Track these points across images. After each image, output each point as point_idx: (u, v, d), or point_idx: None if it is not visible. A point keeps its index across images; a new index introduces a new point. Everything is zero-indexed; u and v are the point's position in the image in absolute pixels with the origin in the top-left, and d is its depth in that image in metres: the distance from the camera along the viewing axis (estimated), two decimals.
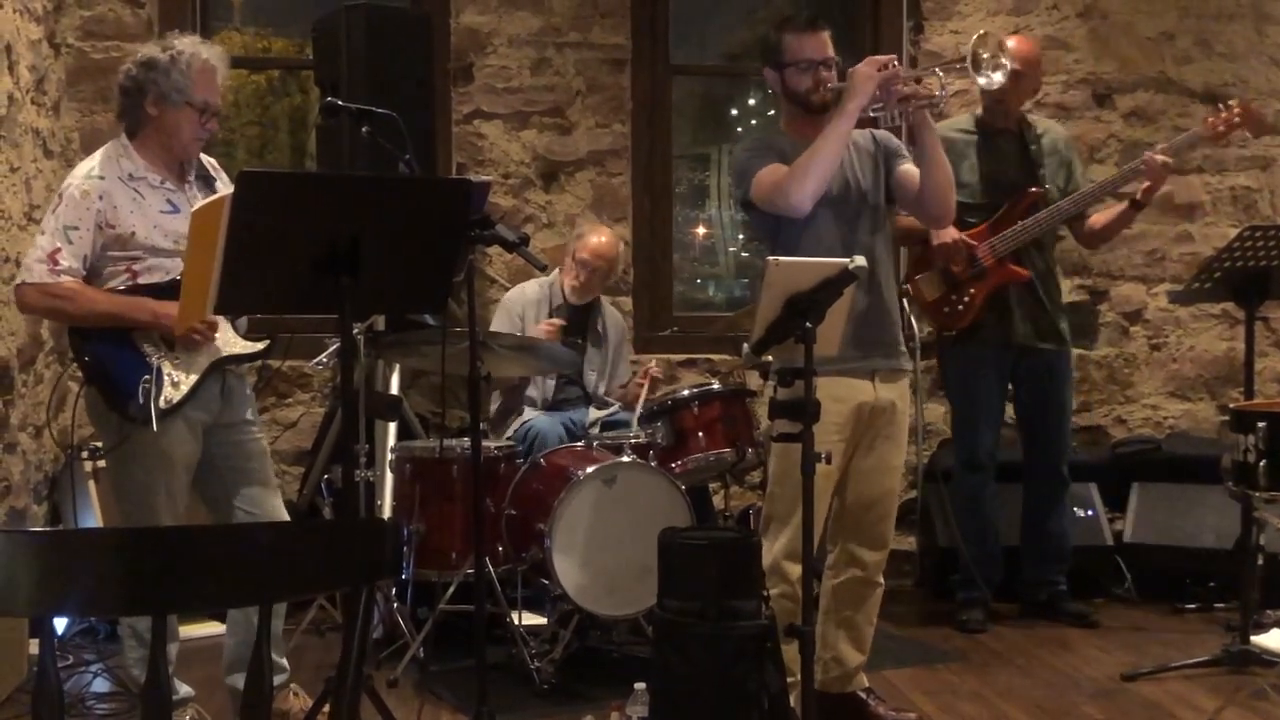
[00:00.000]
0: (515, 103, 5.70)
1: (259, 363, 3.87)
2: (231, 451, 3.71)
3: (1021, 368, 5.00)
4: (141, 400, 3.44)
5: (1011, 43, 4.88)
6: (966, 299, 4.90)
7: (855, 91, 3.57)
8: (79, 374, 3.58)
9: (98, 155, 3.58)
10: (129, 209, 3.50)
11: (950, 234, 4.80)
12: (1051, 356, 5.01)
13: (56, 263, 3.44)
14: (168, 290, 3.46)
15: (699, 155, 6.62)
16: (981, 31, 3.64)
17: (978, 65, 3.54)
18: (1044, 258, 4.99)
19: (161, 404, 3.46)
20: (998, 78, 3.59)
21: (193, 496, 3.73)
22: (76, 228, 3.45)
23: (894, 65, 3.60)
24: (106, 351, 3.49)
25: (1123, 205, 4.96)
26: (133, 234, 3.49)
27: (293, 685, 3.90)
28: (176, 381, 3.51)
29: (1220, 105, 4.88)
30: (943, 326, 5.02)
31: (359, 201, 3.01)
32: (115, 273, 3.50)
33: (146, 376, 3.46)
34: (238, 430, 3.72)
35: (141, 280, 3.51)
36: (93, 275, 3.50)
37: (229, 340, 3.62)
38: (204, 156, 3.77)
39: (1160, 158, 4.77)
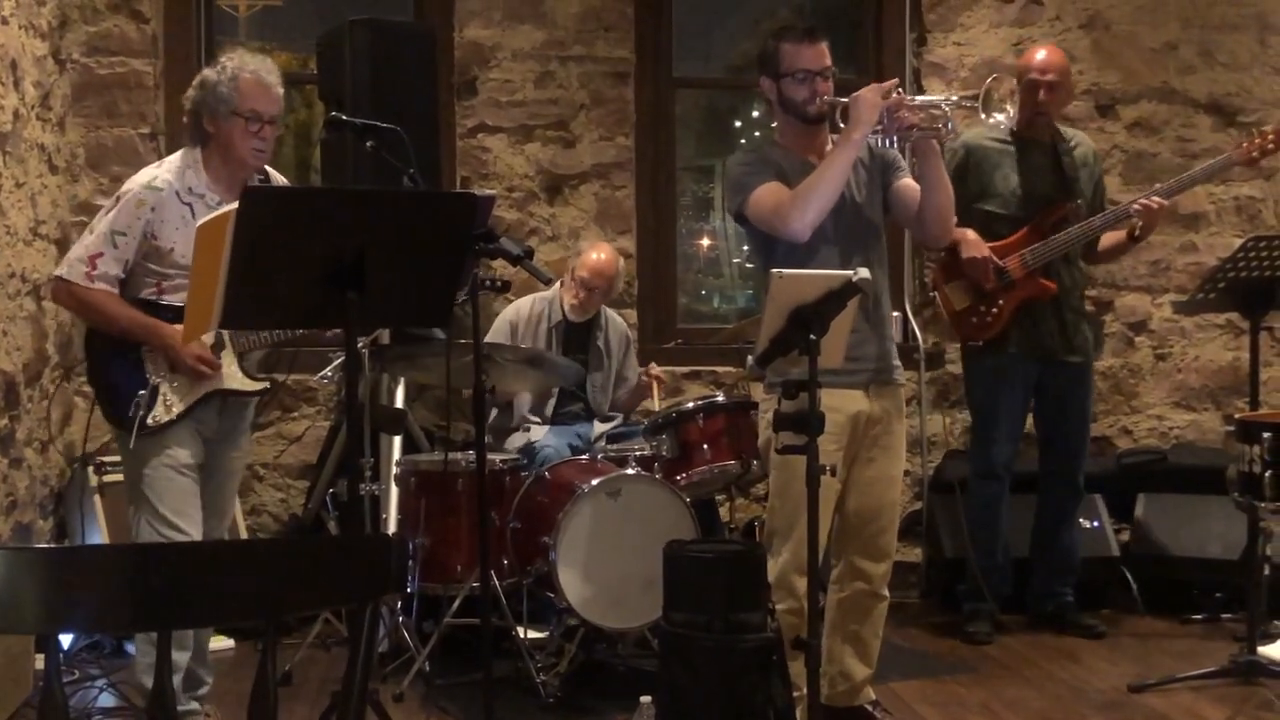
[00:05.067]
0: (519, 116, 5.71)
1: (264, 376, 3.90)
2: (208, 464, 3.78)
3: (1046, 380, 5.00)
4: (131, 413, 3.56)
5: (1042, 54, 4.94)
6: (995, 310, 4.89)
7: (859, 120, 3.55)
8: (85, 387, 3.65)
9: (169, 161, 3.71)
10: (175, 225, 3.58)
11: (980, 249, 4.81)
12: (1076, 369, 5.01)
13: (94, 267, 3.55)
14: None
15: (703, 167, 6.63)
16: (996, 75, 3.67)
17: (988, 105, 3.56)
18: (1070, 271, 4.99)
19: (149, 422, 3.57)
20: (1001, 119, 3.62)
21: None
22: (124, 234, 3.57)
23: (899, 93, 3.60)
24: (111, 359, 3.62)
25: (1122, 236, 4.97)
26: (171, 250, 3.59)
27: (207, 707, 3.90)
28: (170, 404, 3.62)
29: (1253, 131, 4.91)
30: (969, 337, 5.00)
31: (364, 216, 3.01)
32: (147, 284, 3.62)
33: (142, 392, 3.58)
34: (227, 445, 3.82)
35: (165, 299, 3.61)
36: (129, 277, 3.62)
37: (231, 374, 3.71)
38: (278, 175, 3.89)
39: (1157, 200, 4.79)
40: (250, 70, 3.64)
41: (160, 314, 3.60)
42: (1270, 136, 4.80)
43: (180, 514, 3.62)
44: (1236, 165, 5.01)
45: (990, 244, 4.85)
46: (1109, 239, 5.02)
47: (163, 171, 3.64)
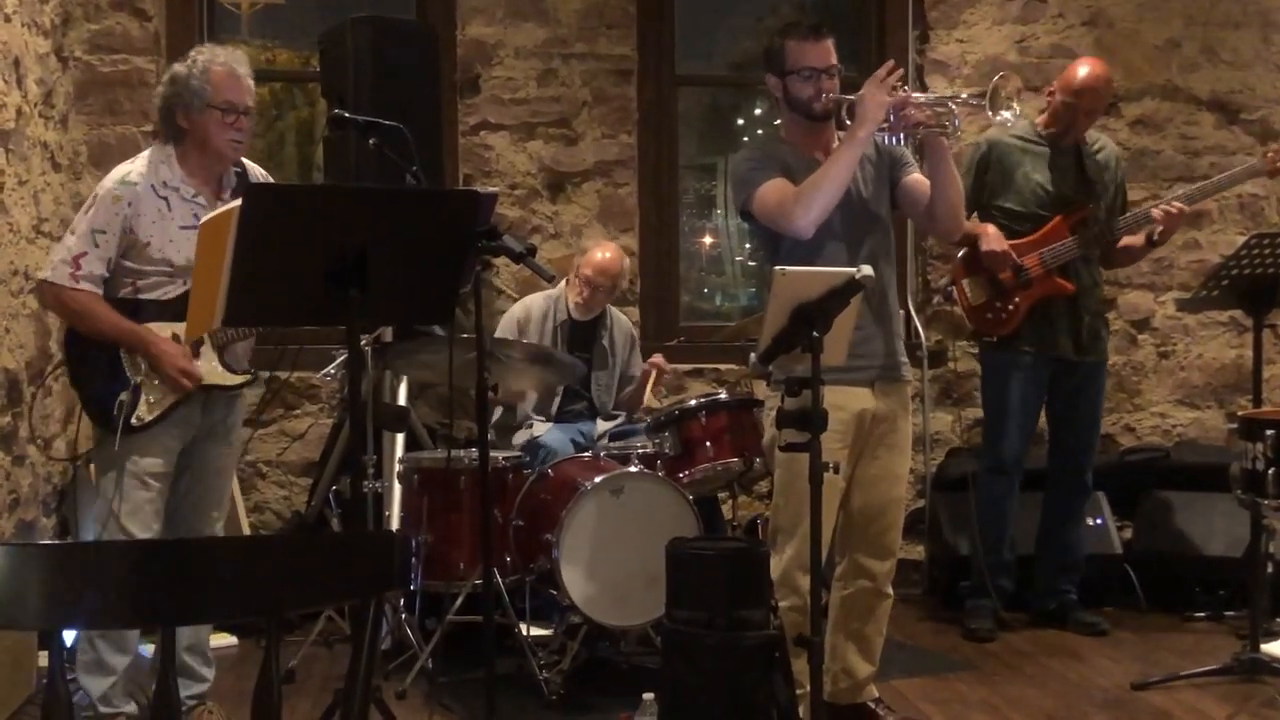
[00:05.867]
0: (522, 114, 5.71)
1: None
2: (194, 461, 3.76)
3: (1059, 378, 5.01)
4: (115, 412, 3.55)
5: (1085, 69, 4.92)
6: (1011, 307, 4.90)
7: (865, 118, 3.55)
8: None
9: (140, 157, 3.68)
10: (151, 219, 3.58)
11: (1000, 243, 4.82)
12: (1089, 369, 5.02)
13: (79, 267, 3.54)
14: (166, 308, 3.57)
15: (705, 165, 6.63)
16: (1004, 72, 3.67)
17: (995, 102, 3.56)
18: (1090, 271, 5.00)
19: (133, 421, 3.57)
20: (1008, 117, 3.62)
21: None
22: (104, 231, 3.55)
23: (905, 90, 3.60)
24: (92, 359, 3.61)
25: (1141, 240, 4.99)
26: (148, 244, 3.57)
27: (209, 703, 3.87)
28: (152, 403, 3.60)
29: (1272, 143, 4.97)
30: (984, 332, 5.02)
31: (366, 214, 3.01)
32: (124, 283, 3.60)
33: (124, 393, 3.57)
34: (214, 441, 3.79)
35: (143, 295, 3.60)
36: (109, 277, 3.59)
37: (212, 370, 3.68)
38: (255, 168, 3.86)
39: (1178, 206, 4.81)
40: (221, 62, 3.62)
41: (138, 310, 3.59)
42: None
43: (130, 518, 3.60)
44: (1260, 174, 5.03)
45: (1010, 241, 4.85)
46: (1130, 241, 5.03)
47: (135, 167, 3.63)
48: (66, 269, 3.54)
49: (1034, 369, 4.97)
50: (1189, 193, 4.95)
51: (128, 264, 3.58)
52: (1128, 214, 4.99)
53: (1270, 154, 4.92)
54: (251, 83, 3.69)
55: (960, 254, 5.01)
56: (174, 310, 3.57)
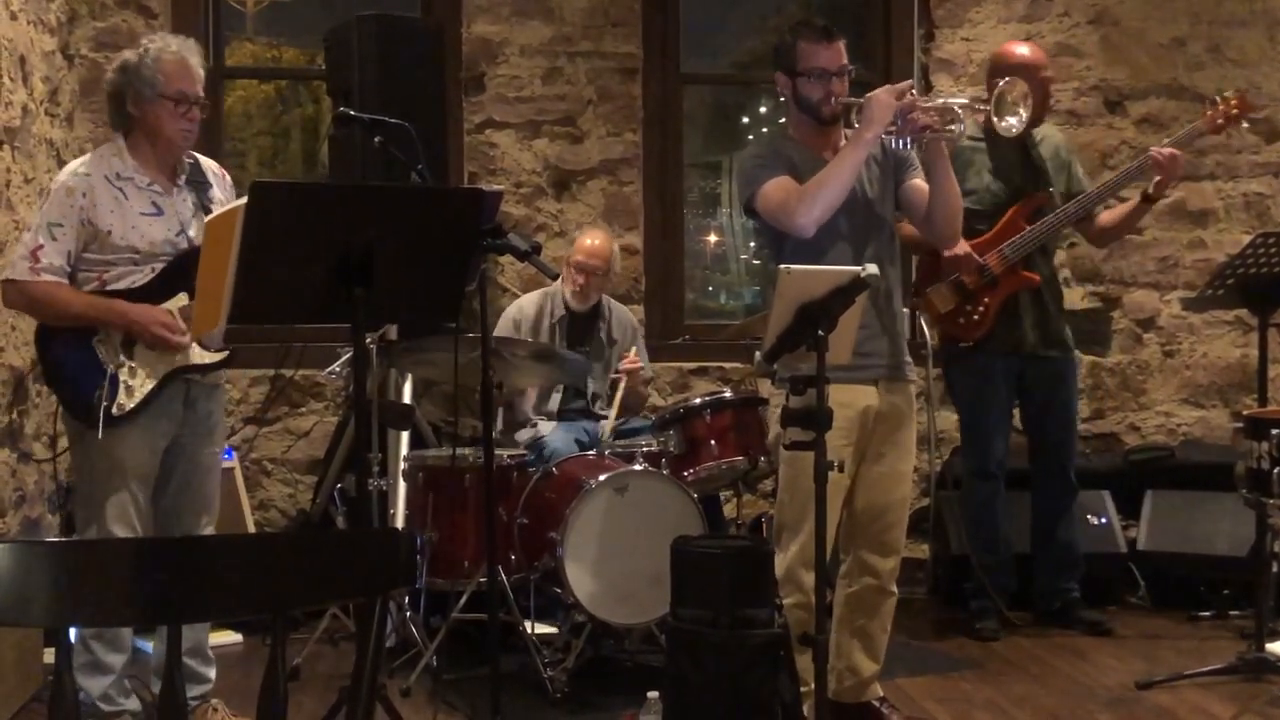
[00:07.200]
0: (527, 112, 5.71)
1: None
2: (180, 461, 3.72)
3: (1028, 376, 5.00)
4: (94, 402, 3.50)
5: (1026, 49, 4.92)
6: (981, 309, 4.88)
7: (872, 121, 3.55)
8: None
9: (90, 153, 3.66)
10: (109, 208, 3.54)
11: (960, 246, 4.79)
12: (1057, 364, 5.01)
13: (37, 260, 3.50)
14: (134, 297, 3.54)
15: (710, 163, 6.63)
16: (1009, 78, 3.66)
17: (1001, 107, 3.55)
18: (1048, 264, 4.99)
19: (114, 411, 3.51)
20: (1014, 122, 3.61)
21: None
22: (61, 224, 3.52)
23: (912, 94, 3.60)
24: (65, 355, 3.57)
25: (1133, 202, 4.96)
26: (109, 233, 3.54)
27: (214, 700, 3.85)
28: (131, 389, 3.55)
29: (1217, 98, 4.87)
30: (957, 338, 4.99)
31: (372, 212, 3.02)
32: (89, 277, 3.56)
33: (101, 382, 3.51)
34: (199, 440, 3.74)
35: (111, 288, 3.56)
36: (72, 273, 3.56)
37: (188, 351, 3.63)
38: (208, 161, 3.83)
39: (1168, 150, 4.75)
40: (173, 51, 3.59)
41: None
42: (1234, 103, 4.78)
43: (114, 520, 3.57)
44: (1204, 134, 4.95)
45: (968, 242, 4.82)
46: (1114, 212, 5.01)
47: (85, 160, 3.62)
48: (25, 263, 3.51)
49: (1002, 368, 4.96)
50: (1167, 144, 4.85)
51: (93, 256, 3.54)
52: (1112, 178, 4.94)
53: (1210, 112, 4.85)
54: (202, 72, 3.66)
55: (919, 264, 5.00)
56: (144, 299, 3.54)
